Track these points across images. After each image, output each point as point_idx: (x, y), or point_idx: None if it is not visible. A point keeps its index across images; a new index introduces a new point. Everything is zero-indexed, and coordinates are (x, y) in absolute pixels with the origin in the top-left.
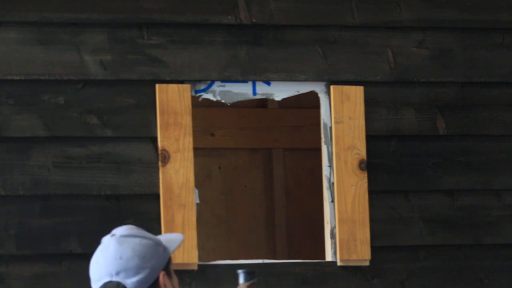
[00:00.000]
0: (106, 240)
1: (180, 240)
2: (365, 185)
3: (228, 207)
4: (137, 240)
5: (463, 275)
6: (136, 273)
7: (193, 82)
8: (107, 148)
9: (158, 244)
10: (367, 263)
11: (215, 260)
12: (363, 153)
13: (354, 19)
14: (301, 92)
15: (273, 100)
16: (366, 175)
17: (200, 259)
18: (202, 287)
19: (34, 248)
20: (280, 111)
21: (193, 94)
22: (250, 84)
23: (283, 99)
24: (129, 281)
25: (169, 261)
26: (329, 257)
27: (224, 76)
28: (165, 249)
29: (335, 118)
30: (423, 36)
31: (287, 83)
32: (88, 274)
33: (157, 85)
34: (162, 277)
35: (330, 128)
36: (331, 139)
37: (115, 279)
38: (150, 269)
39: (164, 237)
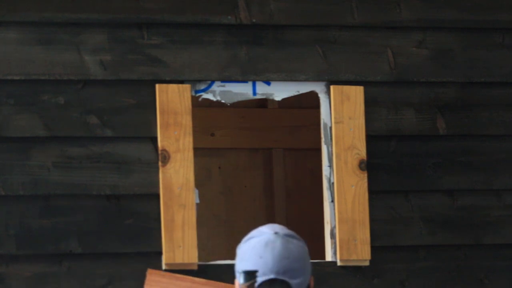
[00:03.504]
0: (271, 237)
1: None
2: (365, 185)
3: (228, 207)
4: (299, 243)
5: (463, 275)
6: (299, 275)
7: (193, 82)
8: (107, 148)
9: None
10: (367, 263)
11: (215, 260)
12: (363, 153)
13: (354, 19)
14: (301, 92)
15: (273, 100)
16: (366, 175)
17: (200, 259)
18: None
19: (34, 248)
20: (280, 111)
21: (193, 94)
22: (250, 84)
23: (283, 99)
24: (294, 281)
25: None
26: (329, 257)
27: (224, 76)
28: None
29: (335, 118)
30: (423, 36)
31: (287, 83)
32: (88, 273)
33: (157, 85)
34: (312, 281)
35: (330, 128)
36: (331, 139)
37: (281, 277)
38: (308, 273)
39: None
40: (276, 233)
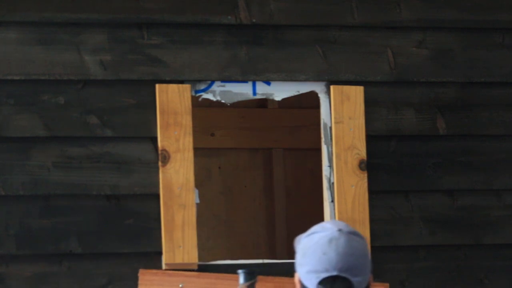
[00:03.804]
0: (335, 233)
1: None
2: (365, 185)
3: (228, 207)
4: (362, 240)
5: (463, 275)
6: (360, 273)
7: (193, 82)
8: (107, 148)
9: None
10: None
11: (215, 260)
12: (363, 153)
13: (354, 19)
14: (301, 92)
15: (273, 100)
16: (366, 175)
17: (200, 259)
18: None
19: (34, 248)
20: (280, 111)
21: (193, 94)
22: (250, 84)
23: (283, 99)
24: (355, 279)
25: None
26: None
27: (224, 76)
28: None
29: (335, 118)
30: (423, 36)
31: (287, 83)
32: (88, 273)
33: (157, 85)
34: (371, 279)
35: (330, 128)
36: (331, 139)
37: (343, 274)
38: (368, 271)
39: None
40: (340, 230)
